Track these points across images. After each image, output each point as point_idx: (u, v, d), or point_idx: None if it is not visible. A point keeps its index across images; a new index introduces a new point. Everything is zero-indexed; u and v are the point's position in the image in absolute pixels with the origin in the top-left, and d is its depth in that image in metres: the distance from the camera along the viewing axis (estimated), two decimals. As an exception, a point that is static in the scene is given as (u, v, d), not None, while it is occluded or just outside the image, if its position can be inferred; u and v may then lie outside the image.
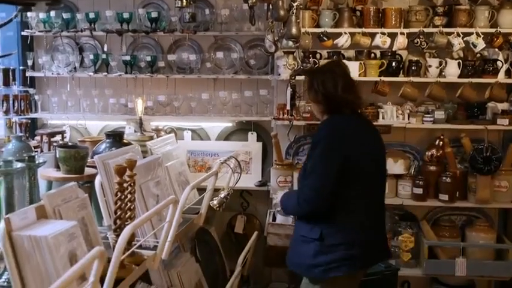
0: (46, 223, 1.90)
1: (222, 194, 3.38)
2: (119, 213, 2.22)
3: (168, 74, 4.63)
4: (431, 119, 4.30)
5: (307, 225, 2.84)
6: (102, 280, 1.72)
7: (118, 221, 2.23)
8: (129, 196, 2.27)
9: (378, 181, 3.02)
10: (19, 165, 2.28)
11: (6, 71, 4.40)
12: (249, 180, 4.50)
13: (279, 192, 3.27)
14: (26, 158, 2.31)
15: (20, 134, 3.28)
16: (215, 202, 3.32)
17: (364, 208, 2.87)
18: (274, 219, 3.93)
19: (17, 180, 2.29)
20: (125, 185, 2.24)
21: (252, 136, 4.70)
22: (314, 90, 2.93)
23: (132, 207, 2.30)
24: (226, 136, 4.80)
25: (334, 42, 4.21)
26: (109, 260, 1.76)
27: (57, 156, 2.78)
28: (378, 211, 3.00)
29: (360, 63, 4.29)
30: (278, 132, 4.32)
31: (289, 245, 3.09)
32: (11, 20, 3.16)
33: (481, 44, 4.12)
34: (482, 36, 4.12)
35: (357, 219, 2.83)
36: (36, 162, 2.35)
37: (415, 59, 4.31)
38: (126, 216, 2.26)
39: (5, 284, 2.07)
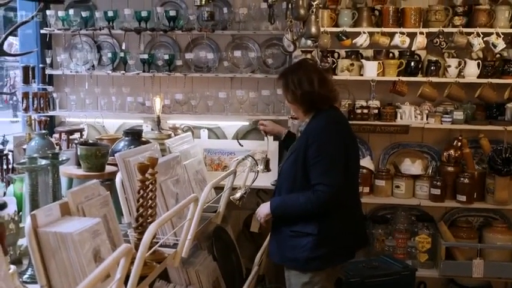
0: (70, 220, 1.91)
1: (243, 190, 3.41)
2: (141, 211, 2.23)
3: (186, 72, 4.64)
4: (450, 119, 4.27)
5: (297, 222, 2.88)
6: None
7: (140, 219, 2.23)
8: (150, 194, 2.28)
9: (359, 172, 3.22)
10: (43, 162, 2.30)
11: (26, 69, 4.45)
12: (265, 179, 4.48)
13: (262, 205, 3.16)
14: (50, 155, 2.32)
15: (43, 132, 3.29)
16: (237, 196, 3.35)
17: (354, 198, 3.05)
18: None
19: (40, 177, 2.31)
20: (147, 182, 2.25)
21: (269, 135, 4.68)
22: (291, 91, 2.93)
23: (153, 205, 2.31)
24: (243, 135, 4.80)
25: (353, 41, 4.19)
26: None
27: (78, 153, 2.79)
28: (359, 200, 3.17)
29: (379, 62, 4.28)
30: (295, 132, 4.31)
31: (271, 239, 3.12)
32: (33, 18, 3.18)
33: (501, 44, 4.08)
34: (502, 36, 4.09)
35: (350, 210, 2.98)
36: (60, 159, 2.37)
37: (434, 59, 4.28)
38: (148, 214, 2.27)
39: (29, 280, 2.09)
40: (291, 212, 2.91)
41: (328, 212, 2.85)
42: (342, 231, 2.91)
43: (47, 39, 4.81)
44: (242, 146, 4.06)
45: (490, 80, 4.18)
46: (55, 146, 3.27)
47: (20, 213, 2.59)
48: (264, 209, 3.05)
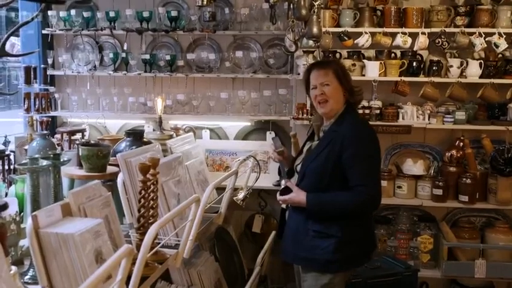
0: (72, 221, 1.91)
1: (246, 191, 3.41)
2: (142, 211, 2.23)
3: (187, 73, 4.64)
4: (452, 119, 4.26)
5: (321, 222, 2.85)
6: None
7: (141, 220, 2.23)
8: (152, 194, 2.28)
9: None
10: (45, 162, 2.30)
11: (28, 69, 4.45)
12: (267, 180, 4.49)
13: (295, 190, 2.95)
14: (51, 155, 2.32)
15: (45, 132, 3.29)
16: (240, 197, 3.34)
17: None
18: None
19: (42, 177, 2.31)
20: (148, 183, 2.25)
21: (270, 136, 4.67)
22: (349, 76, 2.97)
23: (154, 206, 2.31)
24: (245, 135, 4.80)
25: (355, 41, 4.19)
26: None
27: (80, 154, 2.79)
28: None
29: (380, 63, 4.27)
30: (297, 132, 4.30)
31: (286, 237, 3.03)
32: (32, 19, 3.17)
33: (503, 44, 4.08)
34: (504, 36, 4.08)
35: (370, 215, 3.01)
36: (61, 160, 2.37)
37: (436, 59, 4.28)
38: (149, 214, 2.27)
39: (30, 280, 2.09)
40: (327, 210, 2.83)
41: (357, 215, 2.85)
42: (363, 235, 2.92)
43: (49, 40, 4.83)
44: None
45: (492, 80, 4.18)
46: (56, 146, 3.27)
47: (22, 213, 2.59)
48: (297, 198, 2.87)
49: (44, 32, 4.75)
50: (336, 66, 2.97)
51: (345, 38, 4.20)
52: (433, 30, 4.18)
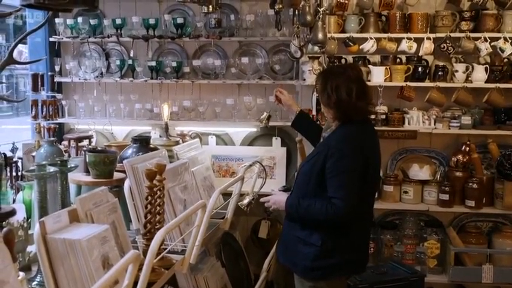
0: (79, 227, 1.93)
1: (251, 196, 3.42)
2: (149, 217, 2.25)
3: (193, 79, 4.66)
4: (458, 124, 4.26)
5: (305, 229, 2.83)
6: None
7: (148, 225, 2.25)
8: (158, 200, 2.30)
9: (377, 188, 3.15)
10: (52, 169, 2.32)
11: (35, 77, 4.49)
12: (273, 185, 4.48)
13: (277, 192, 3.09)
14: (59, 162, 2.34)
15: (52, 139, 3.32)
16: (244, 202, 3.35)
17: (366, 215, 2.95)
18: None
19: (49, 184, 2.33)
20: (155, 189, 2.26)
21: (276, 141, 4.70)
22: (327, 94, 2.81)
23: (161, 212, 2.33)
24: (251, 141, 4.81)
25: (360, 47, 4.19)
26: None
27: (87, 160, 2.81)
28: (372, 216, 3.09)
29: (386, 68, 4.27)
30: (303, 138, 4.31)
31: (280, 239, 3.08)
32: (40, 27, 3.20)
33: (508, 49, 4.07)
34: (510, 41, 4.07)
35: (360, 226, 2.89)
36: (68, 166, 2.39)
37: (442, 64, 4.27)
38: (156, 220, 2.29)
39: (38, 286, 2.10)
40: (302, 216, 2.83)
41: (337, 226, 2.79)
42: (348, 245, 2.84)
43: (56, 47, 4.85)
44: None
45: (497, 84, 4.17)
46: (64, 153, 3.29)
47: (29, 220, 2.61)
48: (278, 200, 2.96)
49: (51, 39, 4.78)
50: (319, 80, 2.92)
51: (350, 43, 4.21)
52: (438, 35, 4.18)
